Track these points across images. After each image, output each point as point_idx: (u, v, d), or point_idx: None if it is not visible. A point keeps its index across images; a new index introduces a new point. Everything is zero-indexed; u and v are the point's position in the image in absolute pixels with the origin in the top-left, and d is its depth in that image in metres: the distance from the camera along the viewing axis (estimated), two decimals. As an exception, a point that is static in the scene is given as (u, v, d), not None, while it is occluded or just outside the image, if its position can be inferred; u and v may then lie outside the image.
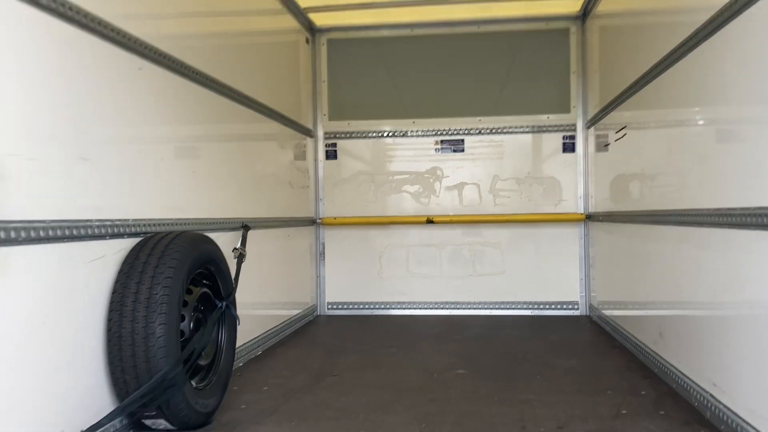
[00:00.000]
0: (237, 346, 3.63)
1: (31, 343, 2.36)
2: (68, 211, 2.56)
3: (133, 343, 2.75)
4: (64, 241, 2.52)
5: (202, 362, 3.18)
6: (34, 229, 2.35)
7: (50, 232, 2.43)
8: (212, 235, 3.44)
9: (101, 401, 2.76)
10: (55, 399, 2.50)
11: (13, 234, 2.23)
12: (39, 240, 2.37)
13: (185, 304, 3.02)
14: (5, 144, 2.22)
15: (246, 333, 4.33)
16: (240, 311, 3.59)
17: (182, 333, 2.97)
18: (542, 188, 6.32)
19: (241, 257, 4.03)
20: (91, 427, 2.52)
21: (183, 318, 2.99)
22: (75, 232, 2.59)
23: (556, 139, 6.32)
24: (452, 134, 6.41)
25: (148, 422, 2.94)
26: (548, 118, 6.32)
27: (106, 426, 2.68)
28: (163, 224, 3.30)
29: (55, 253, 2.49)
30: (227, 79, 4.18)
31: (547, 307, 6.31)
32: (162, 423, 2.93)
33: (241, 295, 3.74)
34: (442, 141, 6.44)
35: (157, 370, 2.73)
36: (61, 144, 2.55)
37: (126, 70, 3.04)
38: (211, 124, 4.05)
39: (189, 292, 3.09)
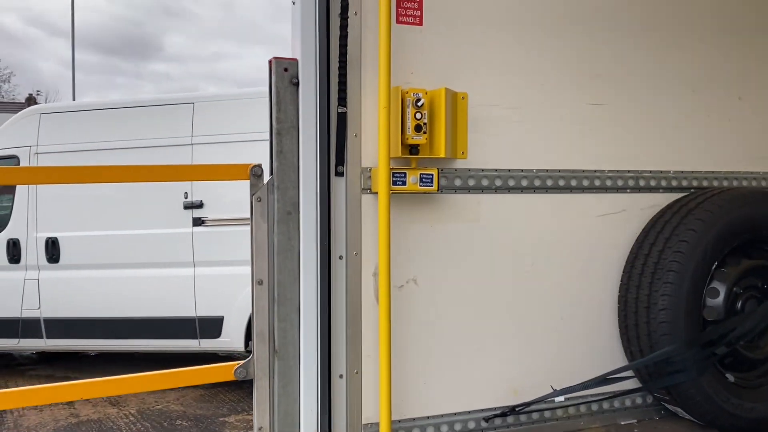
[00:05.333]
0: None
1: (517, 287, 2.41)
2: (565, 161, 2.46)
3: (636, 311, 2.42)
4: (551, 192, 2.43)
5: (753, 354, 2.49)
6: (501, 177, 2.36)
7: (535, 182, 2.40)
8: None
9: (615, 361, 2.55)
10: (568, 344, 2.51)
11: (484, 182, 2.33)
12: (508, 189, 2.36)
13: (721, 277, 2.43)
14: (480, 97, 2.31)
15: None
16: None
17: (714, 312, 2.41)
18: None
19: None
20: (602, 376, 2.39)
21: (716, 293, 2.42)
22: (574, 183, 2.46)
23: None
24: None
25: (669, 406, 2.54)
26: None
27: (622, 386, 2.48)
28: (714, 178, 2.70)
29: (542, 202, 2.43)
30: None
31: None
32: (679, 411, 2.48)
33: None
34: None
35: (658, 347, 2.33)
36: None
37: None
38: None
39: (736, 263, 2.47)
